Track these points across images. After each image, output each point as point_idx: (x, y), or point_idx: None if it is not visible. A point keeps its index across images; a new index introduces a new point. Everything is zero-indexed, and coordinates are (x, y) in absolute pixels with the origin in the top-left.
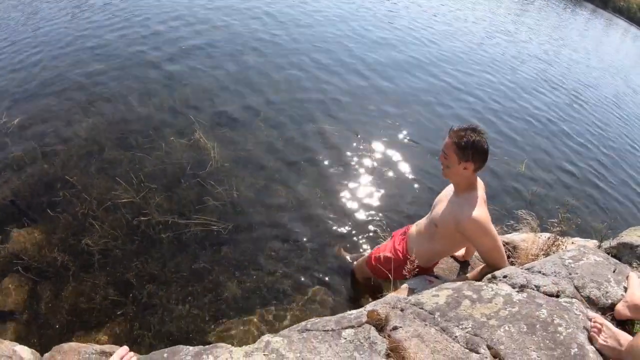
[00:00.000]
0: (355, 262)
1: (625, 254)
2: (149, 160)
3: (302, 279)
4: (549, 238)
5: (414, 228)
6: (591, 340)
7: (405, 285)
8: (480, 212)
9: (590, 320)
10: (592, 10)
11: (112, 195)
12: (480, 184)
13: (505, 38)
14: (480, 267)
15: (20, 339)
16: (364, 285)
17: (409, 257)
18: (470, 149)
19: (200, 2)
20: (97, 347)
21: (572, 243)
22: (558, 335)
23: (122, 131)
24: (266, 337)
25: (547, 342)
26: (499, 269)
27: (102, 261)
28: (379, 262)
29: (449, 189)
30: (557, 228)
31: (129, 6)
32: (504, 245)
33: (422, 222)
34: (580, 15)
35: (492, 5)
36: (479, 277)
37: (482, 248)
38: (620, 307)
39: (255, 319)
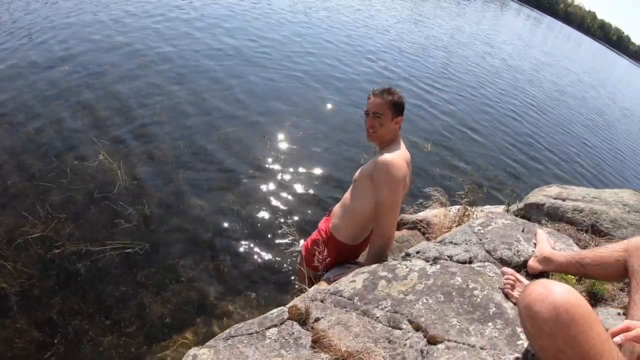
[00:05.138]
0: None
1: (533, 214)
2: (54, 189)
3: (226, 287)
4: (459, 210)
5: (338, 204)
6: (507, 296)
7: (324, 278)
8: (395, 158)
9: (502, 276)
10: None
11: (20, 231)
12: (406, 152)
13: (406, 27)
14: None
15: None
16: (291, 282)
17: (330, 233)
18: (400, 105)
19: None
20: None
21: (482, 211)
22: (475, 298)
23: (23, 162)
24: (192, 351)
25: (465, 306)
26: (385, 233)
27: (20, 303)
28: (308, 250)
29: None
30: (465, 199)
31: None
32: (417, 223)
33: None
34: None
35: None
36: (371, 254)
37: (379, 197)
38: (532, 262)
39: (186, 335)
